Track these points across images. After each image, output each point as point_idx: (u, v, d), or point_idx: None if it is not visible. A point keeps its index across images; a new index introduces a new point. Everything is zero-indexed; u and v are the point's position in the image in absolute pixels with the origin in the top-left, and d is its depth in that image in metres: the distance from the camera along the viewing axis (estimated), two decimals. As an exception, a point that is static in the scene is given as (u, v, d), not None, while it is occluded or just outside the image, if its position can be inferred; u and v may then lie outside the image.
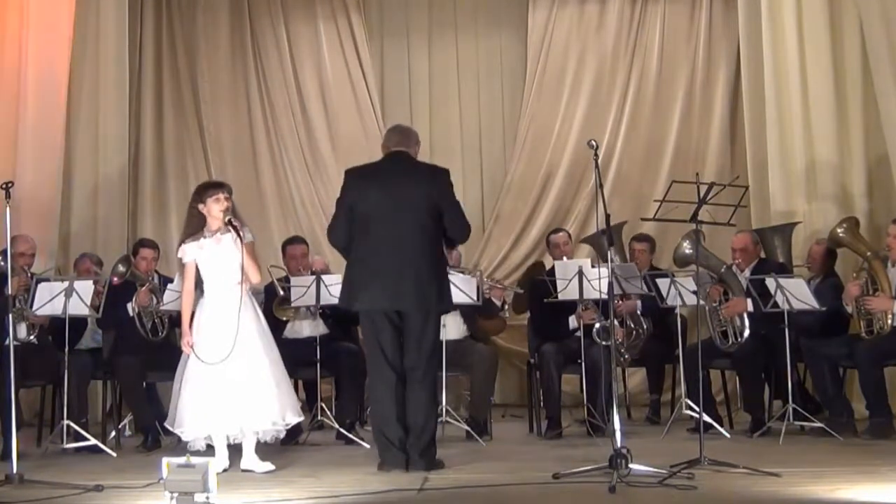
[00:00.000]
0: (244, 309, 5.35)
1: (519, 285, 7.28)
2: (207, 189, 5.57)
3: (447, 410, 6.48)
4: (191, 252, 5.49)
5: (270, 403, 5.38)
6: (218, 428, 5.36)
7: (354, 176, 5.56)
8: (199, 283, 5.54)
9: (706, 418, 5.72)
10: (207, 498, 3.98)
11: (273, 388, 5.40)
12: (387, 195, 5.37)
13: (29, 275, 6.29)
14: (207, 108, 9.15)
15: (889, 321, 6.11)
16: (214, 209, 5.46)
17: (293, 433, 6.10)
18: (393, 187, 5.39)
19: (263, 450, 5.49)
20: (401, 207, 5.33)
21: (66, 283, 6.06)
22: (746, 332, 6.44)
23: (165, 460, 4.03)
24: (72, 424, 6.02)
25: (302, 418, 5.71)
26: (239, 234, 5.40)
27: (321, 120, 9.16)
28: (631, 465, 4.75)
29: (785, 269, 6.75)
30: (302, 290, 6.54)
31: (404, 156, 5.54)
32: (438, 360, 5.61)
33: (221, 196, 5.47)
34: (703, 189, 5.50)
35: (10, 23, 7.72)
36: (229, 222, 5.41)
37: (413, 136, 5.67)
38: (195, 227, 5.52)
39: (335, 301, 6.52)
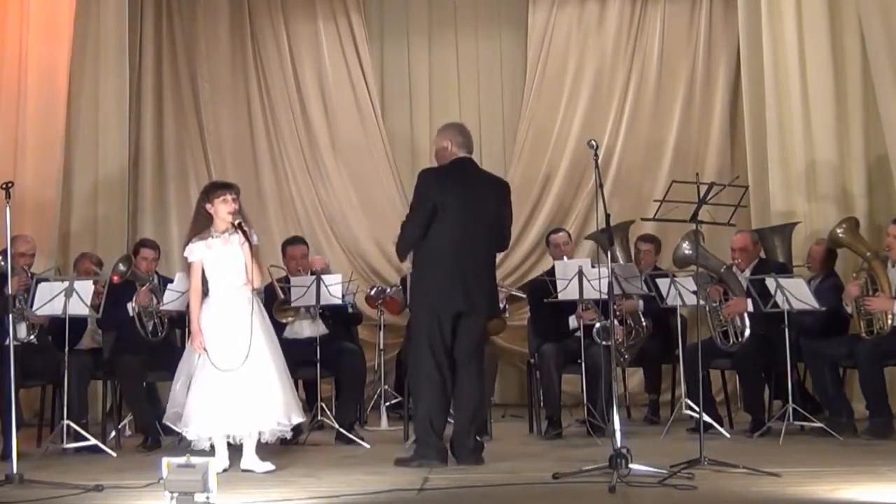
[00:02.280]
0: (253, 312, 5.35)
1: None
2: (216, 189, 5.57)
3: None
4: (198, 251, 5.48)
5: (276, 404, 5.38)
6: (225, 428, 5.36)
7: (434, 177, 5.62)
8: (203, 283, 5.53)
9: (706, 418, 5.72)
10: (207, 498, 3.98)
11: (279, 388, 5.41)
12: (461, 201, 5.48)
13: (29, 275, 6.29)
14: (207, 108, 9.15)
15: (889, 321, 6.12)
16: (222, 210, 5.46)
17: (293, 433, 6.09)
18: (467, 194, 5.51)
19: (263, 450, 5.49)
20: (473, 215, 5.47)
21: (66, 283, 6.06)
22: (747, 332, 6.44)
23: (165, 460, 4.03)
24: (72, 424, 6.02)
25: (304, 419, 5.71)
26: (248, 237, 5.40)
27: (321, 120, 9.16)
28: (631, 465, 4.76)
29: (785, 269, 6.75)
30: (302, 291, 6.54)
31: (474, 163, 5.70)
32: (484, 359, 5.74)
33: (229, 197, 5.48)
34: (703, 189, 5.50)
35: (11, 23, 7.73)
36: (239, 224, 5.41)
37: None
38: (202, 226, 5.51)
39: (335, 301, 6.57)
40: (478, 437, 5.56)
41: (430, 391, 5.45)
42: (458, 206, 5.46)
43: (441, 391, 5.46)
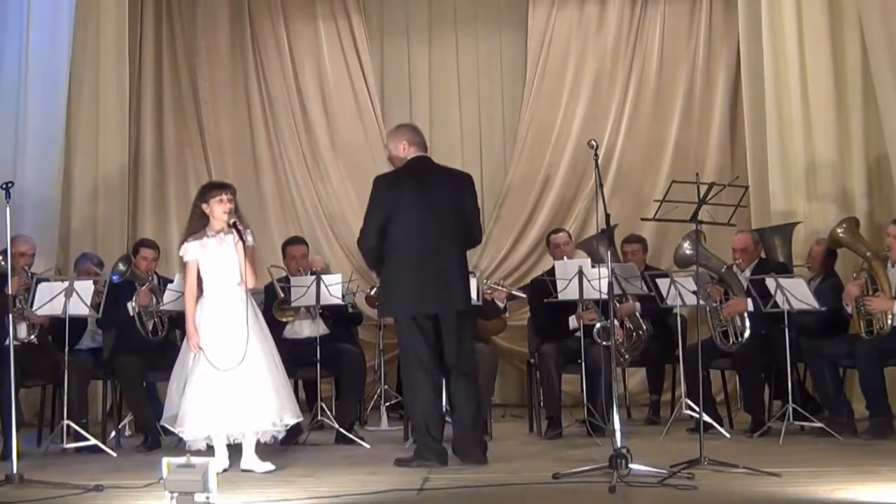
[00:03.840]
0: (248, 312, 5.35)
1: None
2: (211, 189, 5.58)
3: (447, 410, 6.47)
4: (193, 250, 5.49)
5: (269, 404, 5.38)
6: (219, 428, 5.36)
7: (386, 182, 5.58)
8: (198, 283, 5.54)
9: (706, 418, 5.71)
10: (207, 498, 3.98)
11: (271, 389, 5.39)
12: (420, 201, 5.43)
13: (29, 275, 6.29)
14: (207, 108, 9.14)
15: (889, 321, 6.11)
16: (217, 210, 5.47)
17: (293, 433, 6.09)
18: (426, 193, 5.46)
19: (263, 450, 5.49)
20: (434, 213, 5.43)
21: (66, 283, 6.06)
22: (747, 332, 6.44)
23: (165, 460, 4.03)
24: (72, 424, 6.02)
25: (300, 419, 5.70)
26: (241, 237, 5.40)
27: (321, 120, 9.16)
28: (631, 465, 4.75)
29: (785, 269, 6.75)
30: (302, 291, 6.54)
31: (430, 160, 5.64)
32: (474, 355, 5.72)
33: (224, 197, 5.48)
34: (703, 189, 5.49)
35: (11, 23, 7.73)
36: (234, 224, 5.41)
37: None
38: (197, 226, 5.53)
39: (335, 301, 6.57)
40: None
41: (422, 395, 5.44)
42: (418, 206, 5.43)
43: (433, 394, 5.45)
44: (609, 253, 5.29)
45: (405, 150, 5.60)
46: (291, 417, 5.50)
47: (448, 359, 5.48)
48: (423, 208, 5.43)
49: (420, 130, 5.74)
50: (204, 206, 5.50)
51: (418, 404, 5.49)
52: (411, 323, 5.44)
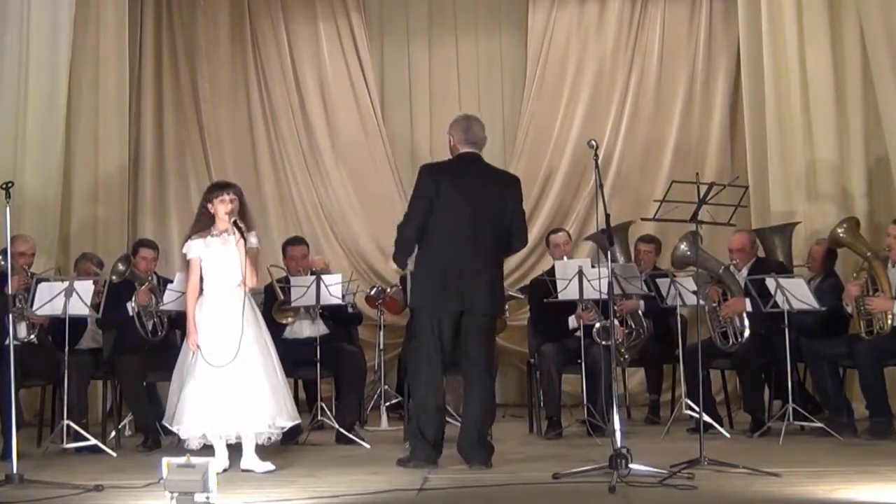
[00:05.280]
0: (245, 311, 5.35)
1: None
2: (215, 189, 5.62)
3: (447, 410, 6.48)
4: (196, 249, 5.50)
5: (265, 406, 5.38)
6: (214, 428, 5.36)
7: (428, 172, 5.52)
8: (199, 282, 5.54)
9: (706, 418, 5.71)
10: (207, 498, 3.99)
11: (267, 390, 5.39)
12: (460, 197, 5.39)
13: (29, 274, 6.29)
14: (207, 108, 9.15)
15: (889, 321, 6.12)
16: (220, 210, 5.49)
17: (293, 433, 6.09)
18: (465, 189, 5.41)
19: (263, 450, 5.49)
20: (472, 211, 5.37)
21: (66, 283, 6.06)
22: (746, 333, 6.44)
23: (165, 460, 4.03)
24: (72, 424, 6.02)
25: (297, 422, 5.68)
26: (243, 236, 5.41)
27: (321, 120, 9.16)
28: (631, 465, 4.75)
29: (783, 268, 6.75)
30: (302, 291, 6.55)
31: (477, 157, 5.55)
32: (493, 360, 5.66)
33: (227, 197, 5.50)
34: (703, 189, 5.50)
35: (11, 22, 7.72)
36: (235, 223, 5.42)
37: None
38: (203, 225, 5.55)
39: (335, 301, 6.57)
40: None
41: (420, 393, 5.43)
42: (457, 201, 5.37)
43: (431, 394, 5.40)
44: (610, 253, 5.29)
45: (453, 144, 5.56)
46: (286, 420, 5.49)
47: (463, 358, 5.44)
48: (462, 204, 5.37)
49: (474, 125, 5.56)
50: (209, 205, 5.54)
51: (415, 401, 5.50)
52: (431, 321, 5.40)
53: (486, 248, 5.43)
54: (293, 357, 6.22)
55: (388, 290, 7.81)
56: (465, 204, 5.38)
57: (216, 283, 5.49)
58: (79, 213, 8.16)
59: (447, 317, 5.39)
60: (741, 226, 6.92)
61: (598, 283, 6.23)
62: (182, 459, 4.03)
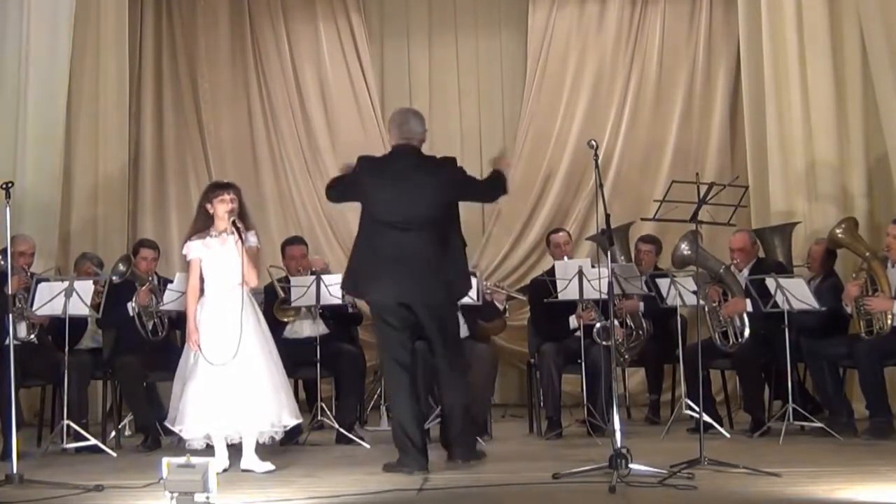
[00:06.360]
0: (245, 311, 5.36)
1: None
2: (214, 189, 5.62)
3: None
4: (195, 249, 5.51)
5: (267, 405, 5.38)
6: (216, 428, 5.37)
7: (366, 165, 5.51)
8: (200, 282, 5.55)
9: (706, 418, 5.72)
10: (207, 498, 3.99)
11: (270, 390, 5.40)
12: (391, 192, 5.35)
13: (29, 274, 6.29)
14: (207, 108, 9.15)
15: (889, 321, 6.11)
16: (220, 210, 5.50)
17: (293, 433, 6.10)
18: (396, 184, 5.36)
19: (263, 450, 5.49)
20: (409, 203, 5.31)
21: (66, 283, 6.07)
22: (746, 332, 6.44)
23: (165, 460, 4.03)
24: (72, 424, 6.02)
25: (300, 420, 5.70)
26: (241, 236, 5.41)
27: (321, 120, 9.16)
28: (631, 465, 4.76)
29: (783, 268, 6.75)
30: (302, 291, 6.55)
31: (407, 149, 5.50)
32: (462, 348, 5.63)
33: (226, 197, 5.51)
34: (703, 189, 5.50)
35: (11, 23, 7.72)
36: (233, 223, 5.42)
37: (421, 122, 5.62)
38: (202, 225, 5.55)
39: (335, 301, 6.56)
40: (478, 436, 5.53)
41: (398, 401, 5.38)
42: (386, 191, 5.32)
43: (409, 400, 5.31)
44: (610, 253, 5.29)
45: (390, 139, 5.61)
46: (290, 418, 5.50)
47: (435, 354, 5.40)
48: (393, 199, 5.31)
49: (403, 117, 5.56)
50: (208, 205, 5.54)
51: (395, 411, 5.45)
52: (385, 327, 5.34)
53: (428, 239, 5.30)
54: (293, 357, 6.22)
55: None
56: (396, 198, 5.31)
57: (216, 283, 5.49)
58: (79, 213, 8.16)
59: (398, 313, 5.31)
60: (741, 226, 6.92)
61: (598, 283, 6.23)
62: (182, 459, 4.03)
